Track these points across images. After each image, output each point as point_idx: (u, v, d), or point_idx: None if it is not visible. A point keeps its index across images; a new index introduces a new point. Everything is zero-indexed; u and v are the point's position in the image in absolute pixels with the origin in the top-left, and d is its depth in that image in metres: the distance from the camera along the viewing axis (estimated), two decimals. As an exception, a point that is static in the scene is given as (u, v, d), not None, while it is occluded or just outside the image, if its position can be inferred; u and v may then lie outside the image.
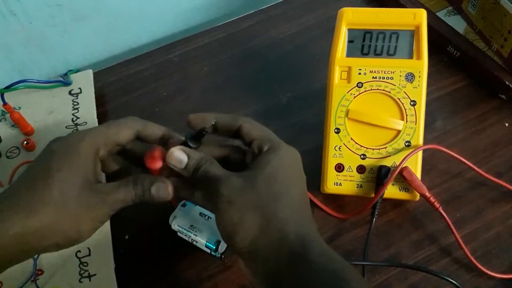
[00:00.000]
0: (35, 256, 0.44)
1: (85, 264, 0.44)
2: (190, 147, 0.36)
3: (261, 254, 0.32)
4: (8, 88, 0.52)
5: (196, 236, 0.43)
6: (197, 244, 0.43)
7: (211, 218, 0.44)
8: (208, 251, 0.43)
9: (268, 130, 0.37)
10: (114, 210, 0.35)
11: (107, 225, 0.47)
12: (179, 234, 0.44)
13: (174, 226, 0.44)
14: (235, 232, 0.32)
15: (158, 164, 0.36)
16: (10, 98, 0.52)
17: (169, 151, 0.35)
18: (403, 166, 0.45)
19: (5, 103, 0.51)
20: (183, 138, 0.37)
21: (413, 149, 0.45)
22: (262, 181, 0.33)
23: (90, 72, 0.60)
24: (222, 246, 0.42)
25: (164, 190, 0.36)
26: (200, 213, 0.44)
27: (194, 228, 0.43)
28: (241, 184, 0.33)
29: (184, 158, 0.35)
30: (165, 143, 0.37)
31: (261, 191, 0.32)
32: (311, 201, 0.47)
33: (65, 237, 0.33)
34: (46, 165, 0.33)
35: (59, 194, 0.32)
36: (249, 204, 0.32)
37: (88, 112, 0.56)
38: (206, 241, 0.42)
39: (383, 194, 0.45)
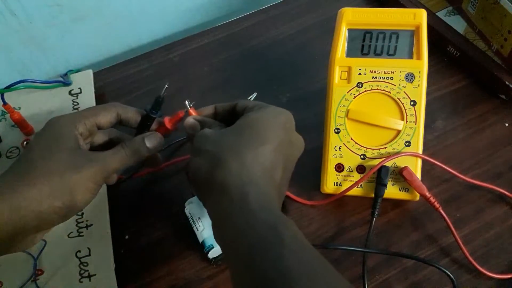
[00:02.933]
0: (35, 256, 0.44)
1: (85, 264, 0.44)
2: (152, 117, 0.41)
3: (211, 195, 0.32)
4: (8, 88, 0.52)
5: (198, 230, 0.43)
6: (197, 237, 0.44)
7: None
8: (203, 249, 0.43)
9: (260, 102, 0.39)
10: (109, 169, 0.37)
11: (107, 225, 0.47)
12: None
13: (186, 210, 0.45)
14: (194, 174, 0.34)
15: (174, 126, 0.42)
16: (10, 98, 0.52)
17: (186, 120, 0.40)
18: (403, 166, 0.45)
19: (5, 103, 0.51)
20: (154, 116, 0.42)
21: (385, 158, 0.45)
22: (236, 128, 0.34)
23: (90, 72, 0.60)
24: (214, 252, 0.42)
25: (155, 138, 0.40)
26: None
27: (201, 221, 0.44)
28: (210, 133, 0.35)
29: (196, 125, 0.39)
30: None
31: (229, 136, 0.34)
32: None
33: (58, 198, 0.34)
34: (30, 145, 0.36)
35: (42, 159, 0.34)
36: (217, 143, 0.33)
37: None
38: (203, 239, 0.43)
39: (383, 194, 0.45)
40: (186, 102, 0.40)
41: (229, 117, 0.40)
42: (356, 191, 0.47)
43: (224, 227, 0.31)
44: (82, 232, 0.47)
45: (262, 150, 0.33)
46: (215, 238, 0.33)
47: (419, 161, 0.45)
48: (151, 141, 0.39)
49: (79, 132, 0.37)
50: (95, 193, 0.37)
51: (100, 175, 0.36)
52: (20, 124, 0.53)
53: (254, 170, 0.32)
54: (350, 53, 0.47)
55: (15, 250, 0.35)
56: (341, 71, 0.47)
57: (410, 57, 0.46)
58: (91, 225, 0.47)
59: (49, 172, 0.34)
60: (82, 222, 0.47)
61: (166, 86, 0.42)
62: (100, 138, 0.42)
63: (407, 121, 0.45)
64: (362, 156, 0.46)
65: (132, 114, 0.41)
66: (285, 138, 0.35)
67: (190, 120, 0.39)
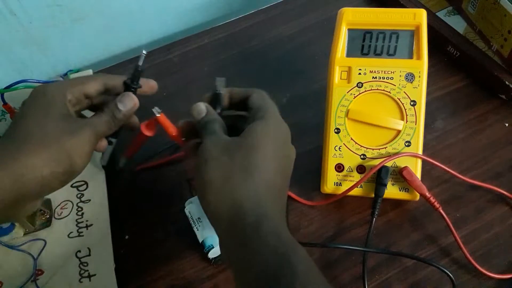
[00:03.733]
0: (35, 256, 0.44)
1: (85, 264, 0.44)
2: (134, 88, 0.42)
3: (221, 224, 0.32)
4: (8, 88, 0.52)
5: (197, 230, 0.43)
6: (197, 237, 0.44)
7: None
8: (203, 249, 0.43)
9: (269, 101, 0.38)
10: (99, 134, 0.39)
11: (107, 225, 0.47)
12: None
13: (186, 210, 0.45)
14: (202, 190, 0.33)
15: (152, 132, 0.42)
16: (10, 98, 0.52)
17: (195, 104, 0.38)
18: (403, 166, 0.45)
19: (5, 103, 0.51)
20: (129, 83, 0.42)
21: (385, 158, 0.45)
22: (241, 149, 0.33)
23: (90, 72, 0.60)
24: (214, 252, 0.43)
25: (127, 99, 0.40)
26: None
27: (200, 221, 0.44)
28: (223, 146, 0.34)
29: (203, 110, 0.37)
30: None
31: (236, 159, 0.33)
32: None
33: (58, 164, 0.35)
34: (21, 112, 0.37)
35: (38, 127, 0.35)
36: (221, 168, 0.32)
37: (88, 112, 0.56)
38: (203, 239, 0.43)
39: (383, 194, 0.45)
40: (154, 110, 0.41)
41: (240, 104, 0.40)
42: (356, 191, 0.47)
43: (231, 249, 0.31)
44: (82, 232, 0.47)
45: (267, 170, 0.33)
46: (221, 253, 0.32)
47: (419, 161, 0.45)
48: (123, 103, 0.40)
49: (68, 99, 0.38)
50: (90, 156, 0.38)
51: (94, 139, 0.38)
52: (20, 124, 0.53)
53: (262, 191, 0.32)
54: (350, 53, 0.47)
55: (15, 216, 0.38)
56: (341, 71, 0.47)
57: (410, 57, 0.46)
58: (91, 225, 0.47)
59: (47, 139, 0.35)
60: (82, 222, 0.47)
61: (144, 53, 0.42)
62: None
63: (407, 121, 0.45)
64: (362, 156, 0.46)
65: (117, 82, 0.42)
66: (284, 154, 0.35)
67: (200, 105, 0.38)
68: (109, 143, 0.45)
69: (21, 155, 0.34)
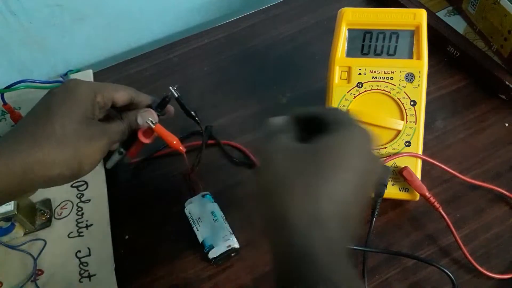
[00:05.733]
0: (35, 256, 0.44)
1: (85, 264, 0.44)
2: (158, 114, 0.44)
3: (269, 225, 0.28)
4: (8, 88, 0.52)
5: (197, 230, 0.44)
6: (197, 237, 0.44)
7: (218, 220, 0.44)
8: (203, 249, 0.43)
9: (348, 115, 0.33)
10: (112, 142, 0.40)
11: (107, 225, 0.47)
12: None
13: (186, 210, 0.45)
14: (261, 195, 0.29)
15: (149, 140, 0.43)
16: (10, 98, 0.52)
17: (269, 119, 0.35)
18: (403, 166, 0.45)
19: (5, 103, 0.51)
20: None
21: (385, 158, 0.45)
22: (307, 152, 0.28)
23: (90, 72, 0.60)
24: (214, 252, 0.43)
25: (148, 116, 0.42)
26: (212, 212, 0.45)
27: (200, 221, 0.44)
28: (288, 146, 0.29)
29: (280, 121, 0.33)
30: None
31: (300, 160, 0.28)
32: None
33: (68, 167, 0.36)
34: (47, 104, 0.37)
35: (60, 127, 0.35)
36: (285, 177, 0.28)
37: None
38: (203, 239, 0.43)
39: (383, 194, 0.45)
40: (148, 121, 0.42)
41: (307, 123, 0.35)
42: (356, 191, 0.46)
43: (280, 269, 0.27)
44: (82, 232, 0.47)
45: (339, 184, 0.27)
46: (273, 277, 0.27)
47: (419, 161, 0.45)
48: (143, 118, 0.42)
49: (97, 101, 0.39)
50: (98, 163, 0.39)
51: (107, 148, 0.39)
52: (20, 124, 0.53)
53: (325, 207, 0.26)
54: (350, 53, 0.47)
55: (14, 199, 0.40)
56: (341, 71, 0.47)
57: (410, 57, 0.46)
58: (91, 225, 0.47)
59: (65, 141, 0.35)
60: (82, 222, 0.47)
61: (174, 88, 0.46)
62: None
63: (407, 121, 0.45)
64: (362, 156, 0.46)
65: (143, 99, 0.44)
66: (366, 168, 0.29)
67: (273, 119, 0.34)
68: (120, 153, 0.47)
69: (38, 153, 0.34)
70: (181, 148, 0.44)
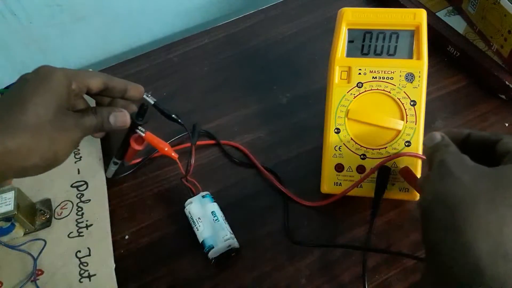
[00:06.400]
0: (35, 256, 0.44)
1: (85, 264, 0.44)
2: (139, 123, 0.43)
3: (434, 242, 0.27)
4: (8, 88, 0.52)
5: (197, 230, 0.44)
6: (197, 237, 0.44)
7: (218, 221, 0.44)
8: (203, 249, 0.43)
9: None
10: (85, 135, 0.39)
11: (107, 225, 0.47)
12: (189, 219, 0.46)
13: (186, 210, 0.45)
14: (438, 202, 0.28)
15: (141, 146, 0.44)
16: (10, 98, 0.52)
17: (430, 133, 0.35)
18: (403, 166, 0.45)
19: (5, 103, 0.51)
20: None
21: (385, 158, 0.45)
22: (491, 176, 0.27)
23: (90, 72, 0.60)
24: (214, 252, 0.43)
25: (121, 117, 0.40)
26: (212, 212, 0.44)
27: (200, 221, 0.44)
28: (470, 162, 0.28)
29: (438, 137, 0.34)
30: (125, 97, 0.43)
31: (485, 182, 0.27)
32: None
33: (43, 158, 0.35)
34: (21, 92, 0.35)
35: (35, 116, 0.34)
36: (463, 184, 0.27)
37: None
38: (203, 239, 0.43)
39: (383, 194, 0.45)
40: (138, 130, 0.42)
41: (478, 150, 0.33)
42: (356, 191, 0.47)
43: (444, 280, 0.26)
44: (82, 232, 0.47)
45: None
46: None
47: (419, 161, 0.45)
48: (116, 119, 0.40)
49: (72, 89, 0.38)
50: (71, 153, 0.38)
51: (80, 139, 0.38)
52: (20, 124, 0.53)
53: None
54: (350, 53, 0.47)
55: None
56: (341, 71, 0.47)
57: (410, 57, 0.46)
58: (91, 225, 0.47)
59: (40, 132, 0.34)
60: (82, 222, 0.47)
61: (149, 95, 0.45)
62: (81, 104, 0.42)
63: (407, 121, 0.45)
64: (362, 156, 0.46)
65: (117, 83, 0.43)
66: None
67: (435, 134, 0.34)
68: (115, 163, 0.48)
69: (11, 143, 0.33)
70: (173, 154, 0.44)
